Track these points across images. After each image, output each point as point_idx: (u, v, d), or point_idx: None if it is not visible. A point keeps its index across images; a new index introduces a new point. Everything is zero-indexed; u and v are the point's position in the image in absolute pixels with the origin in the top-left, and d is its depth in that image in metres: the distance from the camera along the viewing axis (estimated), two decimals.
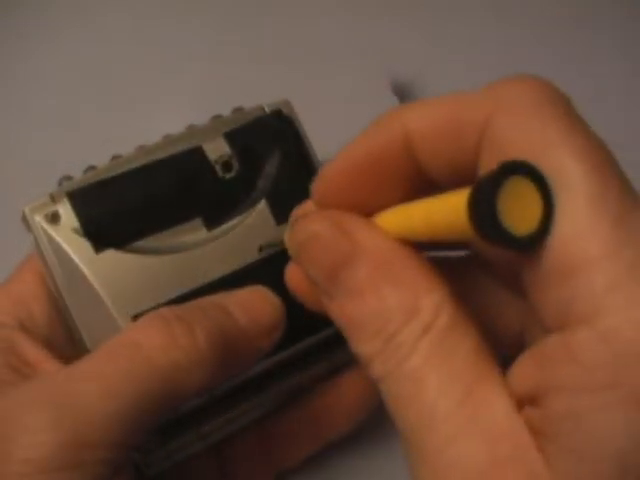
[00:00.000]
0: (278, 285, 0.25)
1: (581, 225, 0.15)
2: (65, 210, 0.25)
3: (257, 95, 0.40)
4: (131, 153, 0.27)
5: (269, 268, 0.27)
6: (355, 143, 0.20)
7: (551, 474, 0.15)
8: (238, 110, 0.29)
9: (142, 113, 0.40)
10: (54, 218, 0.25)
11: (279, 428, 0.29)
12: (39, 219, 0.25)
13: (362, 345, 0.19)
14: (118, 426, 0.21)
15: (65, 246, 0.25)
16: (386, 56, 0.41)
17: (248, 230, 0.27)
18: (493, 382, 0.17)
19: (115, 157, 0.27)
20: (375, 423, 0.30)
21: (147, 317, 0.23)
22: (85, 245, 0.25)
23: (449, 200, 0.17)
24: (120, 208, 0.26)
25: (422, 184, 0.19)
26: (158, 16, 0.47)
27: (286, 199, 0.27)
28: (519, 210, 0.15)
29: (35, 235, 0.25)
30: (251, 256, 0.27)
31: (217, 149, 0.27)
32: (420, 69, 0.44)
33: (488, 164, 0.17)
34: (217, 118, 0.28)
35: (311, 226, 0.20)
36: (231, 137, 0.27)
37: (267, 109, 0.29)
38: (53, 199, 0.25)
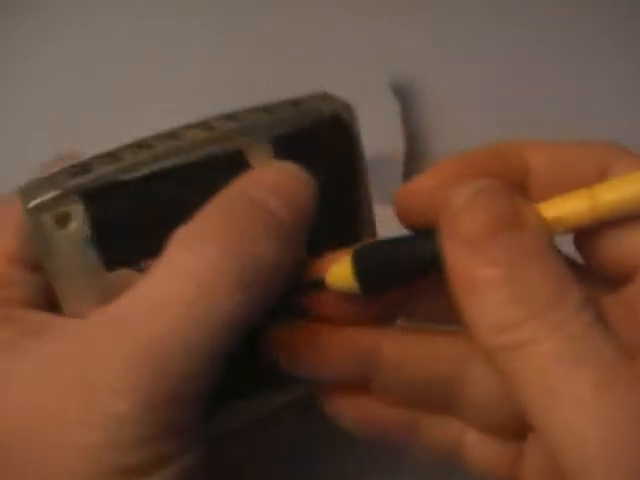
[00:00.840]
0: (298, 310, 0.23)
1: None
2: (77, 212, 0.21)
3: (257, 95, 0.39)
4: (161, 147, 0.22)
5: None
6: (470, 157, 0.21)
7: None
8: (294, 104, 0.24)
9: (142, 113, 0.40)
10: (63, 220, 0.21)
11: None
12: (47, 219, 0.21)
13: (497, 308, 0.18)
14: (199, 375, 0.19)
15: (71, 256, 0.21)
16: (386, 56, 0.41)
17: None
18: None
19: (140, 144, 0.22)
20: None
21: (198, 237, 0.20)
22: (96, 259, 0.21)
23: None
24: (142, 219, 0.21)
25: None
26: (158, 16, 0.46)
27: (326, 229, 0.22)
28: None
29: (37, 238, 0.21)
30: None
31: (261, 155, 0.22)
32: (420, 69, 0.43)
33: None
34: (268, 113, 0.24)
35: (478, 184, 0.19)
36: (279, 143, 0.23)
37: (326, 110, 0.24)
38: (64, 196, 0.21)
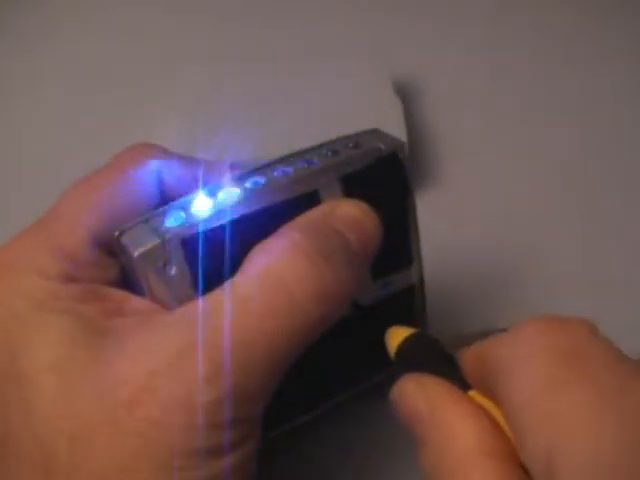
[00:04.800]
0: (368, 343, 0.25)
1: None
2: (177, 259, 0.23)
3: (258, 95, 0.40)
4: (247, 190, 0.24)
5: (361, 323, 0.26)
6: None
7: None
8: (355, 144, 0.26)
9: (142, 113, 0.40)
10: (165, 266, 0.23)
11: None
12: (150, 266, 0.23)
13: None
14: (271, 381, 0.21)
15: (173, 297, 0.23)
16: (387, 56, 0.41)
17: None
18: None
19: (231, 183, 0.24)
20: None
21: (285, 248, 0.22)
22: (194, 299, 0.23)
23: None
24: (235, 259, 0.23)
25: None
26: (158, 16, 0.47)
27: (385, 254, 0.25)
28: None
29: (142, 280, 0.23)
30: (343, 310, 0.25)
31: (332, 193, 0.25)
32: (420, 69, 0.44)
33: (505, 410, 0.19)
34: (334, 153, 0.26)
35: (404, 384, 0.22)
36: (346, 182, 0.25)
37: (384, 149, 0.26)
38: (164, 245, 0.23)
